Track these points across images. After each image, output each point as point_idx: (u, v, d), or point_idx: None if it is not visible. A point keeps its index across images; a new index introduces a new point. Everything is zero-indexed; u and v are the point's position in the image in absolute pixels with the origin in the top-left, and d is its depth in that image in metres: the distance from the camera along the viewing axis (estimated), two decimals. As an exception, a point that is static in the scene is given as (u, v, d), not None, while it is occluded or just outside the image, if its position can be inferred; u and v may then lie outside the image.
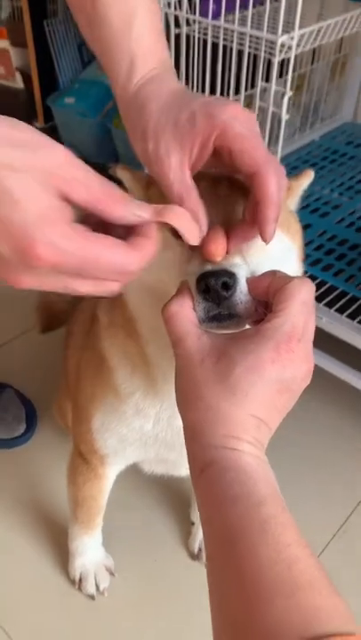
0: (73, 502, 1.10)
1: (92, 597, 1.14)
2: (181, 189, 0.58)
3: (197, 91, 1.35)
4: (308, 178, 0.77)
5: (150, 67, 0.63)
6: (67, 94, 2.17)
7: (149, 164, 0.60)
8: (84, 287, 0.49)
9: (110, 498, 1.13)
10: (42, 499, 1.32)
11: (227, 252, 0.60)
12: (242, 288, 0.58)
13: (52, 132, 2.37)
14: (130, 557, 1.21)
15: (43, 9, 2.23)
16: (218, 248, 0.58)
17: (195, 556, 1.21)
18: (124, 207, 0.49)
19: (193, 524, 1.24)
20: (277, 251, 0.67)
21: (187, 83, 1.31)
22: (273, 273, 0.58)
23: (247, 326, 0.59)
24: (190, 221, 0.57)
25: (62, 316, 1.34)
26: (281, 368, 0.52)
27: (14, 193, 0.44)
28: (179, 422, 0.61)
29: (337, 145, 1.93)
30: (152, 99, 0.61)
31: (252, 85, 1.34)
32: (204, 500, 0.53)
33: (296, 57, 1.73)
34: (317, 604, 0.45)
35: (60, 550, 1.21)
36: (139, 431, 0.84)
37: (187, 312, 0.56)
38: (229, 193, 0.63)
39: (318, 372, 1.36)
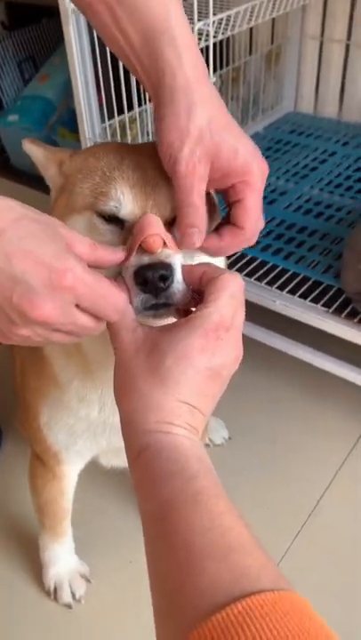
0: (37, 508, 1.08)
1: (68, 606, 1.12)
2: (191, 199, 0.60)
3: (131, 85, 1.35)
4: None
5: (196, 57, 0.62)
6: (10, 112, 2.17)
7: (166, 134, 0.60)
8: (88, 324, 0.56)
9: (81, 503, 1.11)
10: (12, 514, 1.29)
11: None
12: (178, 278, 0.60)
13: (2, 152, 2.37)
14: (105, 562, 1.19)
15: (-22, 31, 2.24)
16: (156, 241, 0.59)
17: (171, 554, 1.19)
18: (113, 254, 0.59)
19: (167, 521, 1.22)
20: None
21: (116, 80, 1.31)
22: (207, 264, 0.60)
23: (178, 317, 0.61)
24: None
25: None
26: (210, 355, 0.54)
27: (38, 235, 0.51)
28: None
29: (281, 134, 1.95)
30: (204, 98, 0.60)
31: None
32: (140, 481, 0.53)
33: (229, 49, 1.77)
34: (248, 564, 0.44)
35: (34, 563, 1.18)
36: (85, 420, 0.83)
37: None
38: (157, 176, 0.64)
39: (278, 353, 1.37)
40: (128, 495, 1.30)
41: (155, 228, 0.60)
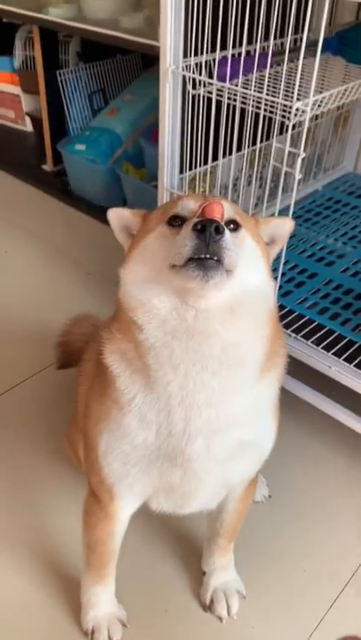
0: (86, 546, 1.10)
1: (104, 649, 1.13)
2: None
3: (204, 146, 1.40)
4: (279, 222, 0.92)
5: None
6: (78, 141, 2.23)
7: None
8: None
9: (121, 548, 1.13)
10: (54, 546, 1.31)
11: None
12: (228, 240, 0.75)
13: (61, 175, 2.43)
14: (141, 608, 1.20)
15: (55, 59, 2.32)
16: (218, 208, 0.77)
17: (206, 607, 1.20)
18: None
19: (204, 573, 1.24)
20: (248, 247, 0.84)
21: (196, 141, 1.37)
22: None
23: None
24: None
25: (79, 354, 1.36)
26: None
27: None
28: (177, 426, 0.81)
29: (340, 195, 1.99)
30: None
31: (261, 140, 1.39)
32: None
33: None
34: None
35: (73, 599, 1.20)
36: (142, 447, 0.88)
37: None
38: (215, 198, 0.84)
39: (325, 415, 1.39)
40: (167, 542, 1.32)
41: (219, 202, 0.78)
